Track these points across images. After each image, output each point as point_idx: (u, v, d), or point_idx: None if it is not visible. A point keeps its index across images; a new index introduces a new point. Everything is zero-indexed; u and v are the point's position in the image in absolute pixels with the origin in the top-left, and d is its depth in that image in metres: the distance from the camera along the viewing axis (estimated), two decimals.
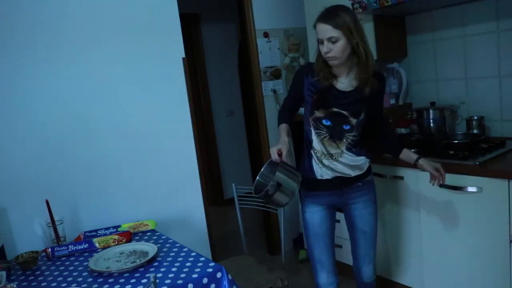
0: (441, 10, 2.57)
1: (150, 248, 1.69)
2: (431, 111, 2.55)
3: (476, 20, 2.42)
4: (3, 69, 1.85)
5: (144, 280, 1.46)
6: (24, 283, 1.55)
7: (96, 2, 2.07)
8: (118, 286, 1.45)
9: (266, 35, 3.16)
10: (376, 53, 2.58)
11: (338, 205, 1.98)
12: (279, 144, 1.74)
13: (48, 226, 1.85)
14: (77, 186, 2.04)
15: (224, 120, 4.86)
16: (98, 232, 1.94)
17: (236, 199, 2.46)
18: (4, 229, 1.83)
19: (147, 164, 2.23)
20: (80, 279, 1.54)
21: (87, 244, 1.79)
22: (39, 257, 1.72)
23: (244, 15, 3.14)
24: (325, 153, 1.84)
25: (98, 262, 1.63)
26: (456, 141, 2.29)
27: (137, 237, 1.91)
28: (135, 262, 1.59)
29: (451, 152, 2.19)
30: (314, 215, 1.94)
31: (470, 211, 2.04)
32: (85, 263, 1.66)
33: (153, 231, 1.97)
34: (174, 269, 1.53)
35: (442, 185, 2.02)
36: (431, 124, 2.55)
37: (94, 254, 1.72)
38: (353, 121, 1.79)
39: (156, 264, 1.59)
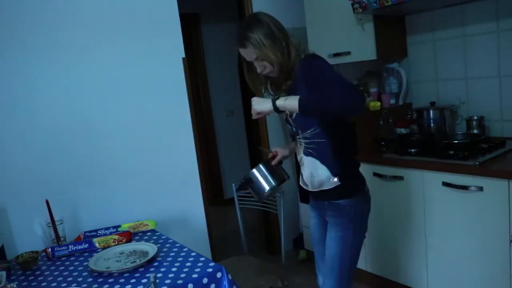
0: (441, 10, 2.57)
1: (150, 248, 1.69)
2: (431, 111, 2.55)
3: (476, 20, 2.42)
4: (4, 70, 1.85)
5: (144, 280, 1.46)
6: (24, 283, 1.55)
7: (97, 2, 2.07)
8: (118, 286, 1.45)
9: None
10: (376, 53, 2.58)
11: (323, 216, 1.80)
12: (279, 148, 1.76)
13: (48, 226, 1.85)
14: (77, 186, 2.04)
15: (224, 120, 4.86)
16: (98, 232, 1.94)
17: (236, 199, 2.46)
18: (4, 229, 1.83)
19: (147, 164, 2.23)
20: (80, 279, 1.54)
21: (87, 244, 1.79)
22: (39, 257, 1.72)
23: (244, 15, 3.13)
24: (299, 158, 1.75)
25: (98, 262, 1.63)
26: (456, 141, 2.29)
27: (137, 237, 1.91)
28: (135, 262, 1.60)
29: (451, 152, 2.19)
30: (311, 220, 1.93)
31: (470, 211, 2.04)
32: (85, 263, 1.66)
33: (153, 231, 1.97)
34: (174, 269, 1.53)
35: (444, 184, 2.03)
36: (431, 124, 2.55)
37: (94, 254, 1.72)
38: (291, 121, 1.69)
39: (156, 264, 1.59)
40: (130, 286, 1.44)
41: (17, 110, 1.89)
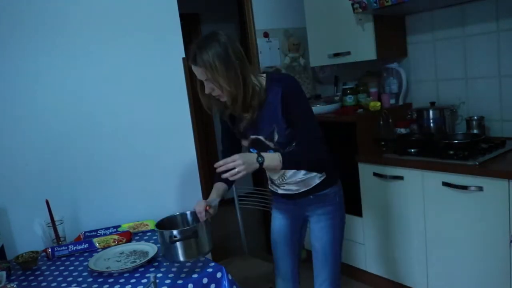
0: (441, 10, 2.57)
1: (150, 248, 1.69)
2: (431, 111, 2.55)
3: (476, 20, 2.42)
4: (4, 70, 1.85)
5: (144, 280, 1.46)
6: (24, 283, 1.55)
7: (97, 2, 2.07)
8: (118, 286, 1.45)
9: (266, 35, 3.16)
10: (376, 53, 2.58)
11: (300, 216, 1.83)
12: (206, 202, 1.58)
13: (48, 226, 1.85)
14: (77, 186, 2.04)
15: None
16: (98, 232, 1.94)
17: (236, 199, 2.46)
18: (4, 229, 1.83)
19: (147, 164, 2.23)
20: (80, 279, 1.54)
21: (87, 244, 1.79)
22: (39, 257, 1.72)
23: (244, 15, 3.14)
24: (272, 177, 1.77)
25: (98, 262, 1.63)
26: (456, 141, 2.29)
27: (137, 237, 1.91)
28: (135, 262, 1.59)
29: (451, 152, 2.19)
30: (275, 221, 1.89)
31: (470, 211, 2.04)
32: (85, 263, 1.66)
33: (153, 231, 1.97)
34: (174, 269, 1.53)
35: (444, 184, 2.03)
36: (431, 124, 2.55)
37: (94, 254, 1.72)
38: (271, 144, 1.62)
39: (156, 264, 1.59)
40: (130, 286, 1.44)
41: (17, 110, 1.89)
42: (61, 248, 1.76)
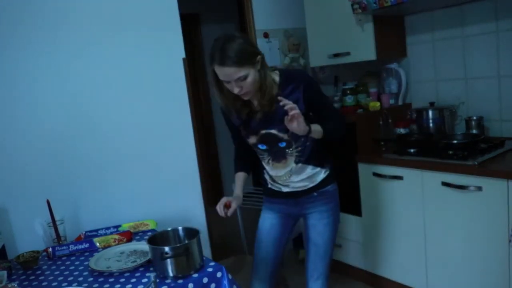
0: (440, 10, 2.58)
1: None
2: (430, 111, 2.55)
3: (475, 20, 2.43)
4: (4, 70, 1.86)
5: (145, 280, 1.47)
6: (25, 283, 1.56)
7: (97, 2, 2.07)
8: (119, 285, 1.45)
9: (266, 35, 3.17)
10: (375, 53, 2.59)
11: (295, 215, 1.88)
12: (231, 198, 1.71)
13: (49, 226, 1.86)
14: (77, 186, 2.04)
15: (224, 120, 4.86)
16: (99, 232, 1.95)
17: None
18: (5, 229, 1.83)
19: (148, 164, 2.24)
20: (81, 278, 1.54)
21: (87, 244, 1.80)
22: (40, 257, 1.72)
23: (244, 15, 3.14)
24: (277, 175, 1.78)
25: (98, 262, 1.64)
26: (455, 141, 2.30)
27: (138, 237, 1.91)
28: (135, 261, 1.60)
29: (451, 152, 2.19)
30: (265, 221, 1.89)
31: (469, 211, 2.05)
32: (86, 263, 1.67)
33: (153, 230, 1.98)
34: None
35: (443, 184, 2.03)
36: (431, 124, 2.55)
37: (94, 254, 1.73)
38: (284, 136, 1.67)
39: None
40: (130, 285, 1.45)
41: (18, 110, 1.90)
42: (62, 248, 1.77)
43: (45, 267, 1.69)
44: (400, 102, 2.85)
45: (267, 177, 1.86)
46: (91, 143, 2.08)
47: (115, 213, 2.11)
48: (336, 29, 2.77)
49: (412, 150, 2.36)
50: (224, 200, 1.68)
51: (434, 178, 2.17)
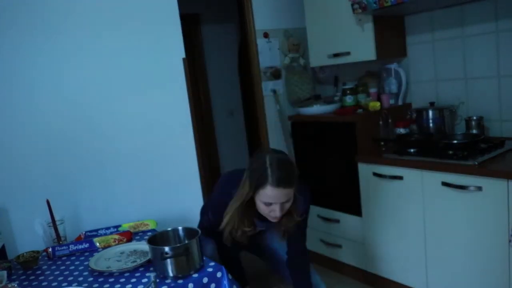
0: (440, 10, 2.58)
1: None
2: (430, 111, 2.55)
3: (475, 20, 2.43)
4: (4, 69, 1.86)
5: (145, 280, 1.47)
6: (25, 283, 1.56)
7: (96, 2, 2.07)
8: (119, 285, 1.45)
9: (266, 35, 3.17)
10: (375, 54, 2.59)
11: None
12: None
13: (49, 226, 1.86)
14: (77, 186, 2.04)
15: (224, 120, 4.86)
16: (99, 232, 1.95)
17: None
18: (5, 229, 1.83)
19: (148, 164, 2.24)
20: (81, 278, 1.54)
21: (87, 244, 1.80)
22: (40, 257, 1.72)
23: (244, 15, 3.14)
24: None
25: (98, 262, 1.64)
26: (455, 141, 2.30)
27: (138, 237, 1.91)
28: (135, 261, 1.60)
29: (451, 152, 2.19)
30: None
31: (469, 211, 2.05)
32: (86, 263, 1.67)
33: (153, 230, 1.98)
34: None
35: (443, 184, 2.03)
36: (431, 124, 2.55)
37: (94, 254, 1.73)
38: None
39: None
40: (130, 285, 1.45)
41: (18, 110, 1.90)
42: (62, 248, 1.77)
43: (45, 267, 1.69)
44: (400, 102, 2.85)
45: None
46: (91, 143, 2.08)
47: (115, 213, 2.11)
48: (336, 29, 2.78)
49: (412, 150, 2.36)
50: None
51: (434, 178, 2.17)
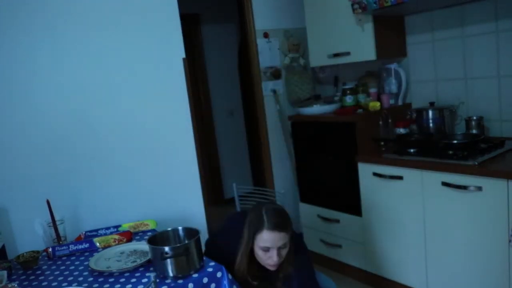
0: (440, 10, 2.58)
1: None
2: (430, 111, 2.55)
3: (475, 20, 2.43)
4: (4, 69, 1.86)
5: (145, 280, 1.47)
6: (25, 283, 1.56)
7: (96, 3, 2.07)
8: (119, 285, 1.45)
9: (266, 35, 3.17)
10: (375, 54, 2.59)
11: None
12: None
13: (49, 226, 1.86)
14: (77, 186, 2.04)
15: (224, 120, 4.86)
16: (99, 232, 1.95)
17: (237, 199, 2.46)
18: (5, 229, 1.83)
19: (148, 164, 2.24)
20: (81, 278, 1.54)
21: (87, 244, 1.80)
22: (40, 257, 1.72)
23: (244, 15, 3.14)
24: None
25: (98, 262, 1.64)
26: (455, 141, 2.30)
27: (138, 237, 1.91)
28: (135, 261, 1.60)
29: (451, 152, 2.19)
30: None
31: (469, 211, 2.05)
32: (86, 263, 1.67)
33: (153, 230, 1.98)
34: None
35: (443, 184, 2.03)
36: (431, 124, 2.55)
37: (94, 254, 1.73)
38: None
39: None
40: (130, 285, 1.45)
41: (18, 110, 1.90)
42: (62, 248, 1.77)
43: (45, 267, 1.69)
44: (400, 102, 2.85)
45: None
46: (90, 143, 2.08)
47: (115, 213, 2.11)
48: (336, 29, 2.78)
49: (412, 150, 2.36)
50: None
51: (434, 178, 2.17)
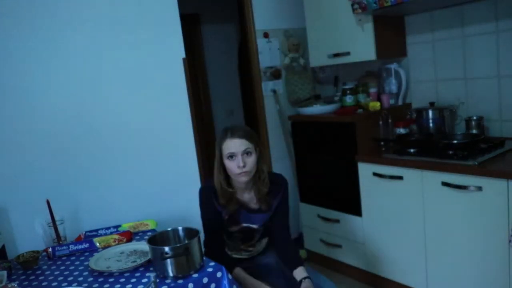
0: (440, 10, 2.58)
1: None
2: (430, 111, 2.55)
3: (475, 20, 2.43)
4: (4, 70, 1.86)
5: (145, 280, 1.47)
6: (25, 283, 1.56)
7: (96, 3, 2.08)
8: (119, 285, 1.45)
9: (266, 35, 3.17)
10: (375, 54, 2.59)
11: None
12: None
13: (49, 226, 1.86)
14: (77, 186, 2.04)
15: (224, 120, 4.86)
16: (99, 232, 1.95)
17: None
18: (5, 229, 1.83)
19: (148, 164, 2.24)
20: (80, 278, 1.54)
21: (87, 244, 1.80)
22: (40, 257, 1.72)
23: (244, 15, 3.14)
24: (239, 250, 1.91)
25: (98, 262, 1.64)
26: (455, 141, 2.30)
27: (138, 237, 1.91)
28: (135, 261, 1.60)
29: (451, 152, 2.19)
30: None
31: (469, 211, 2.05)
32: (86, 263, 1.66)
33: (153, 231, 1.98)
34: None
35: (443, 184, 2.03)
36: (431, 124, 2.55)
37: (94, 254, 1.73)
38: (261, 229, 1.86)
39: None
40: (130, 285, 1.44)
41: (18, 110, 1.90)
42: (62, 248, 1.77)
43: (45, 267, 1.68)
44: (400, 102, 2.85)
45: (228, 253, 1.93)
46: (91, 143, 2.08)
47: (115, 213, 2.11)
48: (336, 29, 2.78)
49: (412, 150, 2.36)
50: None
51: (434, 178, 2.17)
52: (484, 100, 2.47)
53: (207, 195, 1.81)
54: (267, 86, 3.22)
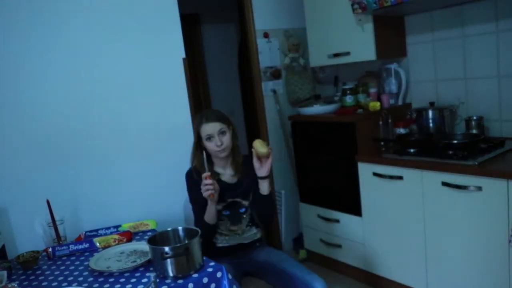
0: (440, 10, 2.58)
1: None
2: (430, 111, 2.55)
3: (475, 20, 2.43)
4: (4, 70, 1.86)
5: (145, 280, 1.47)
6: (25, 283, 1.56)
7: (97, 3, 2.08)
8: (119, 285, 1.45)
9: (266, 35, 3.17)
10: (375, 54, 2.59)
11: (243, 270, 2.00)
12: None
13: (49, 226, 1.86)
14: (77, 186, 2.04)
15: None
16: (99, 232, 1.95)
17: None
18: (5, 229, 1.84)
19: (148, 164, 2.24)
20: (81, 278, 1.55)
21: (87, 244, 1.80)
22: (40, 257, 1.72)
23: (244, 15, 3.14)
24: (229, 233, 1.99)
25: (98, 262, 1.64)
26: (455, 141, 2.30)
27: (138, 237, 1.91)
28: (135, 261, 1.60)
29: (451, 152, 2.19)
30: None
31: (469, 211, 2.05)
32: (86, 263, 1.67)
33: (153, 230, 1.98)
34: None
35: (443, 184, 2.03)
36: (431, 124, 2.55)
37: (94, 254, 1.73)
38: (245, 203, 2.00)
39: None
40: (130, 285, 1.45)
41: (18, 110, 1.90)
42: (62, 248, 1.77)
43: (45, 267, 1.69)
44: (400, 102, 2.85)
45: (219, 236, 2.00)
46: (91, 143, 2.08)
47: (115, 213, 2.11)
48: (336, 29, 2.78)
49: (412, 150, 2.36)
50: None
51: (434, 178, 2.17)
52: (484, 100, 2.47)
53: (191, 177, 1.97)
54: (267, 86, 3.22)
